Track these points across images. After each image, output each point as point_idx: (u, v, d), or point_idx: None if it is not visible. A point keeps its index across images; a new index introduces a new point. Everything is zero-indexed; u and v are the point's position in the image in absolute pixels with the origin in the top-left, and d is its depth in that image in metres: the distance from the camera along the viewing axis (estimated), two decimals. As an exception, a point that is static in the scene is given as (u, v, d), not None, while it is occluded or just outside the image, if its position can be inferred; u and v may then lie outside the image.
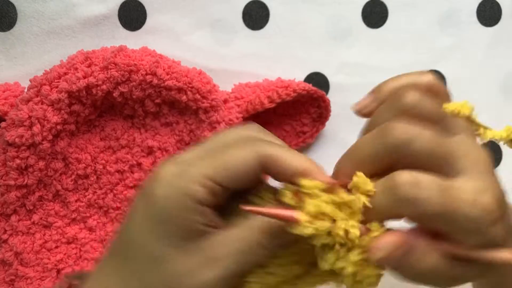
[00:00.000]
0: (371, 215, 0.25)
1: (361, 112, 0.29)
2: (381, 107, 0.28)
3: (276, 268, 0.27)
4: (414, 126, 0.24)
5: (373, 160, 0.25)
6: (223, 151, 0.26)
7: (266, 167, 0.26)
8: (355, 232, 0.24)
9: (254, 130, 0.28)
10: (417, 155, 0.24)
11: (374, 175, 0.25)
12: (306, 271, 0.27)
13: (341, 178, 0.26)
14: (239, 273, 0.26)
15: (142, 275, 0.26)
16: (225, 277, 0.26)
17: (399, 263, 0.24)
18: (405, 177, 0.24)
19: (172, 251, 0.26)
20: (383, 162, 0.25)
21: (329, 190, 0.25)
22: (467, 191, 0.24)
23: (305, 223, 0.24)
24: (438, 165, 0.24)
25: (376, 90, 0.29)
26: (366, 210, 0.25)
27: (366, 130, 0.28)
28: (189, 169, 0.26)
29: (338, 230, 0.24)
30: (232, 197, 0.28)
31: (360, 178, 0.25)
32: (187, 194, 0.25)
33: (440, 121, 0.26)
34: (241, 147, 0.26)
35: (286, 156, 0.26)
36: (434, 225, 0.24)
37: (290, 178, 0.26)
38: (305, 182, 0.25)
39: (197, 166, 0.26)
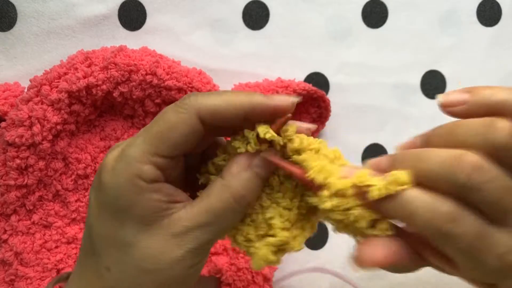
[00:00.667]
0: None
1: (447, 107, 0.26)
2: (469, 126, 0.24)
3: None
4: (492, 168, 0.23)
5: (435, 180, 0.24)
6: (156, 122, 0.25)
7: (206, 119, 0.25)
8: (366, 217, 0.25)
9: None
10: (481, 199, 0.23)
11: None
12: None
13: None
14: (216, 238, 0.26)
15: (115, 266, 0.26)
16: (198, 248, 0.26)
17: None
18: (447, 207, 0.23)
19: (138, 235, 0.25)
20: (444, 187, 0.24)
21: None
22: (501, 244, 0.24)
23: (326, 198, 0.25)
24: (495, 211, 0.24)
25: (473, 93, 0.26)
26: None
27: (438, 135, 0.25)
28: (128, 150, 0.25)
29: (355, 217, 0.25)
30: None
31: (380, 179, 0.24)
32: (135, 175, 0.24)
33: None
34: (173, 110, 0.25)
35: (222, 100, 0.25)
36: (449, 251, 0.24)
37: (232, 120, 0.25)
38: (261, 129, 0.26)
39: (134, 145, 0.25)
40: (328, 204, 0.25)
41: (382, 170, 0.25)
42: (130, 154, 0.25)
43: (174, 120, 0.25)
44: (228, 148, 0.28)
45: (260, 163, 0.26)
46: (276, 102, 0.26)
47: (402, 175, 0.24)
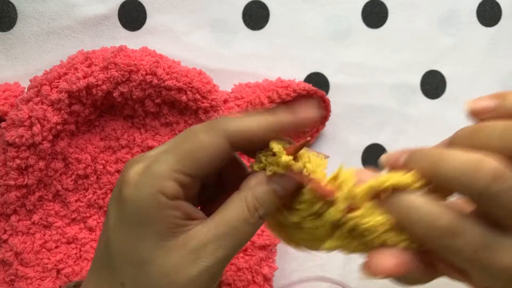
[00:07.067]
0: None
1: (476, 114, 0.25)
2: (491, 128, 0.24)
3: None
4: (509, 175, 0.22)
5: (450, 184, 0.23)
6: (187, 140, 0.25)
7: (236, 142, 0.25)
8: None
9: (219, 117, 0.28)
10: (497, 206, 0.22)
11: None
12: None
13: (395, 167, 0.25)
14: (231, 255, 0.26)
15: (130, 282, 0.26)
16: (214, 265, 0.25)
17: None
18: (447, 221, 0.23)
19: (155, 252, 0.25)
20: (459, 192, 0.23)
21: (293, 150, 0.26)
22: (506, 255, 0.23)
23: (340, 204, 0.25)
24: (510, 219, 0.23)
25: (501, 97, 0.25)
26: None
27: (462, 136, 0.25)
28: (154, 166, 0.25)
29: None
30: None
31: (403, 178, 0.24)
32: (158, 191, 0.24)
33: None
34: (204, 131, 0.25)
35: (252, 123, 0.25)
36: (454, 261, 0.24)
37: (261, 141, 0.26)
38: (273, 144, 0.25)
39: (161, 161, 0.25)
40: (341, 206, 0.25)
41: (398, 167, 0.25)
42: (157, 170, 0.25)
43: (205, 141, 0.25)
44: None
45: (279, 180, 0.26)
46: (301, 116, 0.26)
47: (407, 177, 0.24)
